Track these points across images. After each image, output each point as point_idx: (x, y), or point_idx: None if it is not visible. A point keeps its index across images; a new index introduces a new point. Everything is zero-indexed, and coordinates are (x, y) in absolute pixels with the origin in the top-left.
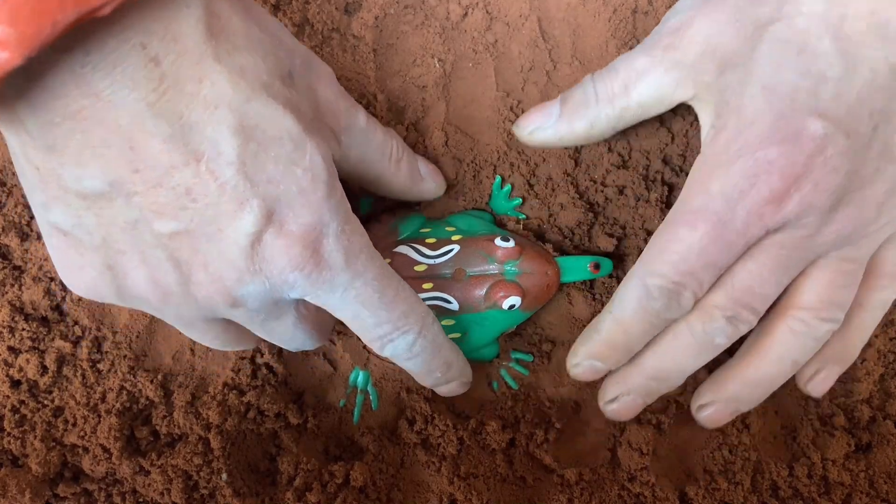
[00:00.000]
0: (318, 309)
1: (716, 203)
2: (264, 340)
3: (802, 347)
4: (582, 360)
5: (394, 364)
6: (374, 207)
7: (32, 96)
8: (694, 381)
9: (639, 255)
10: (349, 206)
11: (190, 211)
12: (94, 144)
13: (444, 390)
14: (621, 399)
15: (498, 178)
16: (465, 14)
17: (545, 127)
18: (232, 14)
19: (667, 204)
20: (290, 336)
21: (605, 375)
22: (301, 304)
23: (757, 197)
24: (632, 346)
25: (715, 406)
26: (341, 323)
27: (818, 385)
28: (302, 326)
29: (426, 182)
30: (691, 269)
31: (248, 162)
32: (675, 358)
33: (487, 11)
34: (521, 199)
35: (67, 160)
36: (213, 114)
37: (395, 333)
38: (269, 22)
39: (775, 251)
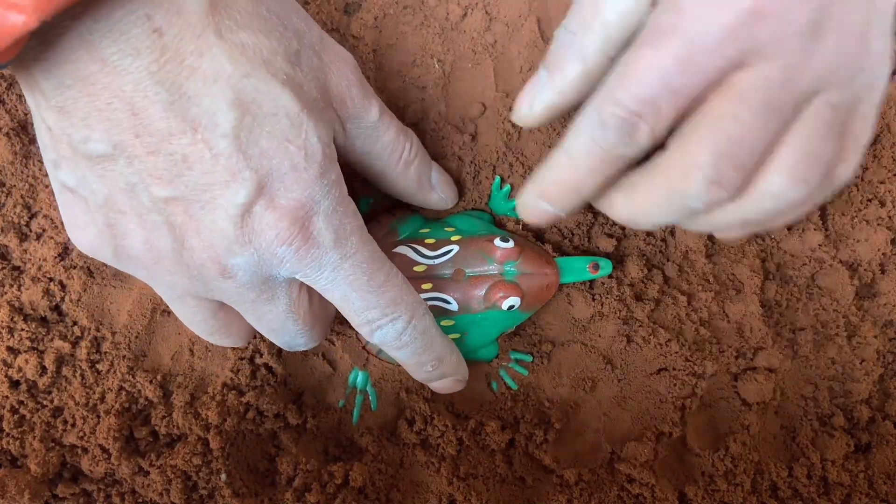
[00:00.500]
0: (313, 303)
1: (686, 20)
2: (261, 340)
3: (774, 211)
4: (531, 200)
5: (393, 364)
6: (373, 208)
7: (46, 59)
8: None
9: (639, 256)
10: (345, 188)
11: (185, 178)
12: (101, 108)
13: (438, 386)
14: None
15: (497, 179)
16: (465, 14)
17: (541, 93)
18: None
19: None
20: (280, 325)
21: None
22: (295, 289)
23: (735, 8)
24: (580, 187)
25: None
26: (340, 323)
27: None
28: (293, 316)
29: (434, 192)
30: (652, 95)
31: (242, 135)
32: (642, 217)
33: (487, 12)
34: None
35: (76, 122)
36: (210, 87)
37: (384, 319)
38: (278, 5)
39: (754, 92)
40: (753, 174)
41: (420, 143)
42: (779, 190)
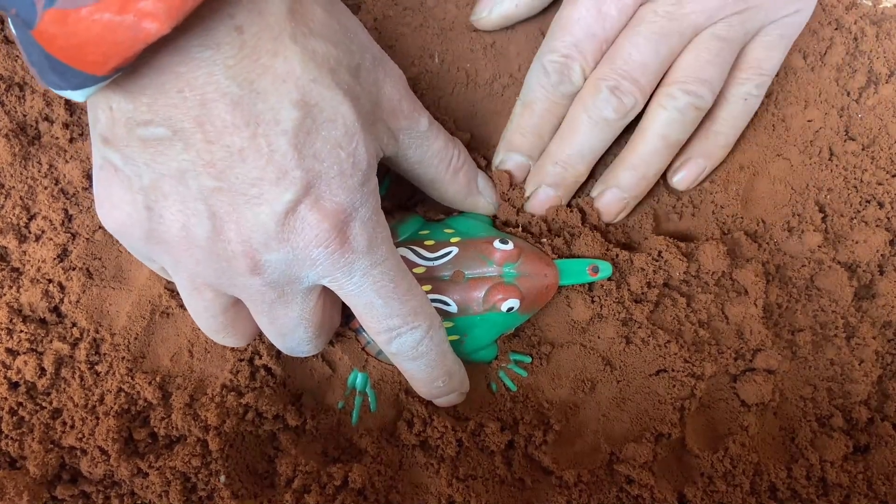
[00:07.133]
0: (325, 313)
1: None
2: (260, 341)
3: (669, 121)
4: (504, 156)
5: (392, 366)
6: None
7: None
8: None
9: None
10: (380, 200)
11: (237, 170)
12: (170, 95)
13: (443, 401)
14: (536, 193)
15: None
16: (463, 15)
17: (500, 3)
18: (315, 4)
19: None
20: (290, 329)
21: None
22: (312, 297)
23: None
24: (540, 130)
25: (605, 194)
26: (341, 324)
27: (683, 176)
28: (305, 323)
29: (482, 196)
30: (577, 40)
31: (300, 135)
32: (573, 139)
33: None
34: None
35: (141, 106)
36: (279, 86)
37: (404, 328)
38: (348, 19)
39: (648, 23)
40: (653, 89)
41: (467, 151)
42: (677, 94)
